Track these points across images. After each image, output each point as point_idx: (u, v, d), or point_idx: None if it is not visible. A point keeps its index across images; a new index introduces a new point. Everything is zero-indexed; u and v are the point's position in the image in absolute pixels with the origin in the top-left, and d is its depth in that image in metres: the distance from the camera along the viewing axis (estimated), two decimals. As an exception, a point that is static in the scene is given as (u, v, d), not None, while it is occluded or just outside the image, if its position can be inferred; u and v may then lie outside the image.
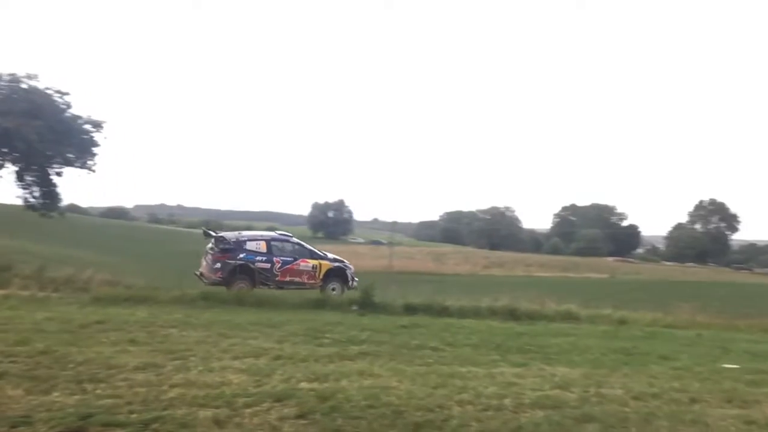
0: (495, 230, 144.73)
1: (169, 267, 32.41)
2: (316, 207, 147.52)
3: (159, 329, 9.28)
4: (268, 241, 17.41)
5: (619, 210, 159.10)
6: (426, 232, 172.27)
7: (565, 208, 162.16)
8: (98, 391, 5.56)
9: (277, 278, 16.72)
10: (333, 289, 17.30)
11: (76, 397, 5.37)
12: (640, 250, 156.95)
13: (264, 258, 16.73)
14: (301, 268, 17.17)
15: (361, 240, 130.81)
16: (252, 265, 16.44)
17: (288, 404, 5.47)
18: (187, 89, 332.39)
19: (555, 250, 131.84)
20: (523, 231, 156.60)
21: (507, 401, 6.01)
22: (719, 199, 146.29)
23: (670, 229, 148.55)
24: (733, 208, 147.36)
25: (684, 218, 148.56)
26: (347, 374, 6.97)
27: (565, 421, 5.41)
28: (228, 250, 16.61)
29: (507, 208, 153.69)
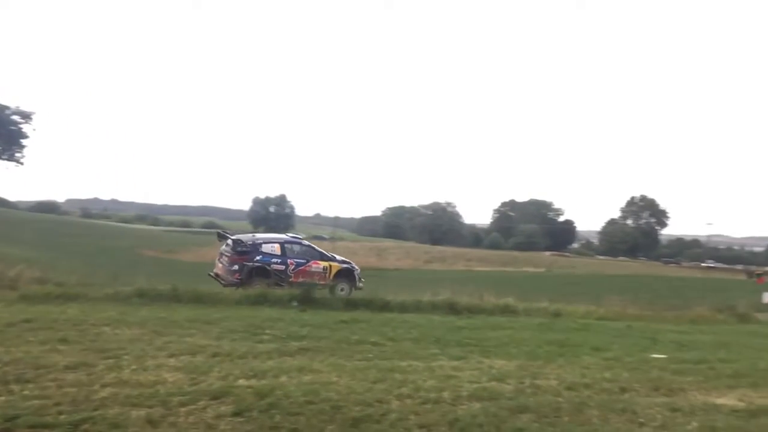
0: (437, 225, 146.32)
1: (103, 263, 31.41)
2: (257, 202, 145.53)
3: (91, 327, 8.94)
4: (282, 244, 17.99)
5: (556, 206, 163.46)
6: (368, 227, 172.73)
7: (504, 204, 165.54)
8: (25, 392, 5.34)
9: (290, 279, 17.15)
10: (342, 290, 17.82)
11: (2, 398, 5.14)
12: (575, 245, 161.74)
13: (279, 260, 17.35)
14: (313, 269, 17.83)
15: (303, 235, 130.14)
16: (268, 267, 17.05)
17: (225, 402, 5.38)
18: (122, 80, 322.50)
19: (495, 245, 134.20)
20: (464, 226, 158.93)
21: (445, 394, 6.09)
22: (650, 195, 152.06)
23: (603, 224, 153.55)
24: (663, 204, 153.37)
25: (616, 214, 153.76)
26: (287, 370, 6.92)
27: (501, 412, 5.52)
28: (245, 252, 17.10)
29: (448, 204, 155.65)
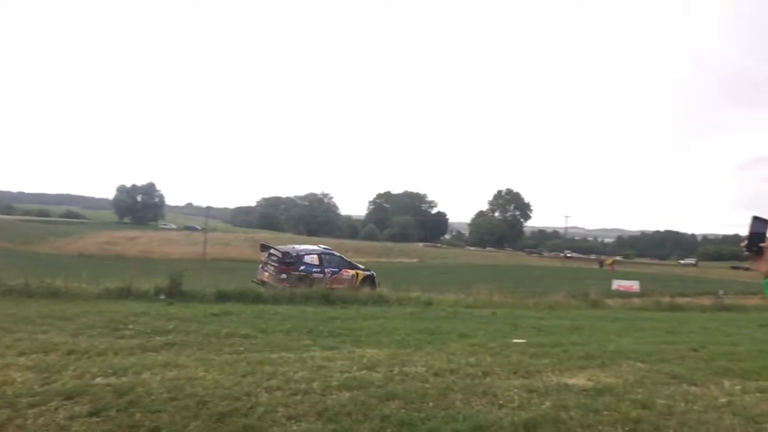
0: (313, 216, 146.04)
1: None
2: (123, 190, 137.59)
3: (-75, 327, 8.09)
4: (320, 255, 21.10)
5: (430, 198, 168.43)
6: (243, 218, 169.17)
7: (379, 196, 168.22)
8: None
9: (327, 286, 18.42)
10: None
11: None
12: (447, 236, 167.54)
13: (318, 269, 20.34)
14: (344, 276, 20.90)
15: (173, 226, 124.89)
16: (310, 276, 19.66)
17: (80, 402, 5.04)
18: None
19: (370, 236, 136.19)
20: (340, 217, 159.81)
21: (315, 384, 6.08)
22: (515, 189, 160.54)
23: (473, 216, 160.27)
24: (527, 198, 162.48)
25: (485, 207, 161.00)
26: (149, 367, 6.60)
27: (370, 400, 5.60)
28: (291, 263, 19.90)
29: (325, 195, 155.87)
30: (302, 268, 19.88)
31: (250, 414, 5.05)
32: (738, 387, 7.21)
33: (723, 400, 6.45)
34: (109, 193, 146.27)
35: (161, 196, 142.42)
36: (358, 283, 20.76)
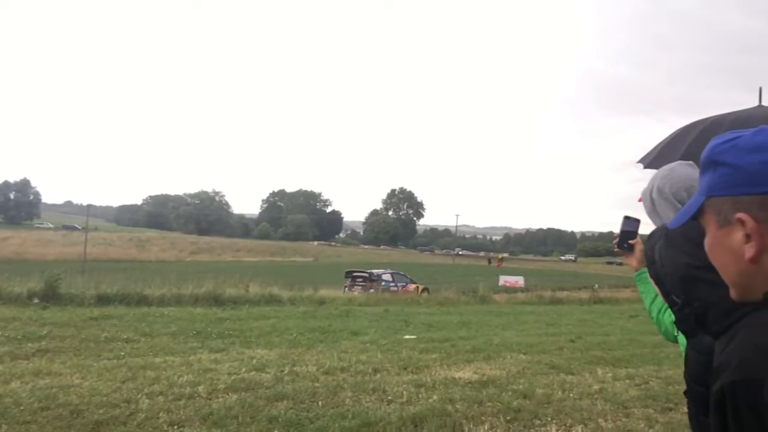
0: (204, 215, 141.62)
1: None
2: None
3: None
4: (392, 274, 29.35)
5: (325, 197, 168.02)
6: (128, 217, 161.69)
7: (273, 194, 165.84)
8: None
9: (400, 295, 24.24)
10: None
11: None
12: (342, 235, 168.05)
13: (393, 284, 27.81)
14: (410, 289, 27.85)
15: (50, 225, 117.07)
16: (389, 289, 26.07)
17: (-64, 416, 4.62)
18: None
19: (264, 235, 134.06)
20: (232, 216, 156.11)
21: (201, 388, 5.90)
22: (408, 188, 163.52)
23: (367, 215, 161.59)
24: (419, 196, 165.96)
25: (379, 205, 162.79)
26: (19, 375, 6.16)
27: (258, 401, 5.51)
28: (374, 280, 27.50)
29: (216, 193, 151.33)
30: (383, 284, 27.05)
31: (129, 421, 4.83)
32: (610, 374, 7.72)
33: (596, 387, 6.88)
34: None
35: (37, 194, 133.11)
36: (420, 293, 26.58)
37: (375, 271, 30.24)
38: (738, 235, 0.90)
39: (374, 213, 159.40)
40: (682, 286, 1.57)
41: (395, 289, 26.90)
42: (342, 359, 7.92)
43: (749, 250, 0.88)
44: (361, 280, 27.98)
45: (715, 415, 0.86)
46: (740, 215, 0.89)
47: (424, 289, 27.99)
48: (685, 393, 1.90)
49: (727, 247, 0.92)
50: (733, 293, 0.96)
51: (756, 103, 4.20)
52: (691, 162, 2.55)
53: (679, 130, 4.36)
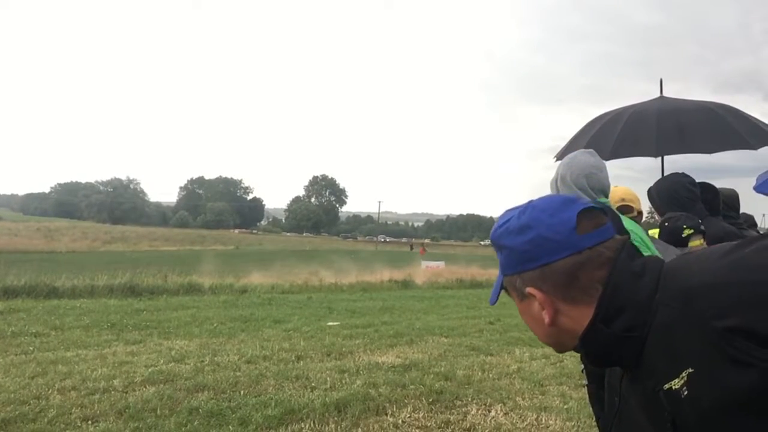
0: (117, 203, 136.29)
1: None
2: None
3: None
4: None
5: (246, 184, 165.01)
6: (35, 206, 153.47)
7: (192, 181, 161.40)
8: None
9: None
10: None
11: None
12: (263, 222, 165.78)
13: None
14: None
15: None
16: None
17: None
18: None
19: (182, 224, 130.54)
20: (148, 204, 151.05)
21: (116, 382, 5.70)
22: (330, 175, 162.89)
23: (289, 202, 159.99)
24: (342, 183, 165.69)
25: (301, 192, 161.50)
26: None
27: (177, 393, 5.37)
28: None
29: (131, 180, 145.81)
30: None
31: (39, 418, 4.61)
32: (527, 354, 7.99)
33: (514, 367, 7.12)
34: None
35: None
36: None
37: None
38: (535, 305, 1.03)
39: (296, 200, 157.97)
40: None
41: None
42: (264, 348, 7.83)
43: (545, 317, 1.02)
44: None
45: None
46: (529, 290, 1.02)
47: None
48: (583, 371, 2.00)
49: (531, 317, 1.06)
50: (553, 349, 1.10)
51: (658, 94, 4.42)
52: (591, 150, 2.68)
53: (585, 125, 4.56)
